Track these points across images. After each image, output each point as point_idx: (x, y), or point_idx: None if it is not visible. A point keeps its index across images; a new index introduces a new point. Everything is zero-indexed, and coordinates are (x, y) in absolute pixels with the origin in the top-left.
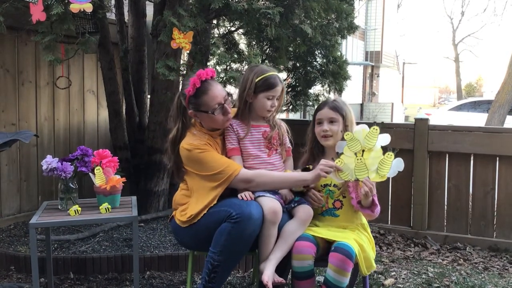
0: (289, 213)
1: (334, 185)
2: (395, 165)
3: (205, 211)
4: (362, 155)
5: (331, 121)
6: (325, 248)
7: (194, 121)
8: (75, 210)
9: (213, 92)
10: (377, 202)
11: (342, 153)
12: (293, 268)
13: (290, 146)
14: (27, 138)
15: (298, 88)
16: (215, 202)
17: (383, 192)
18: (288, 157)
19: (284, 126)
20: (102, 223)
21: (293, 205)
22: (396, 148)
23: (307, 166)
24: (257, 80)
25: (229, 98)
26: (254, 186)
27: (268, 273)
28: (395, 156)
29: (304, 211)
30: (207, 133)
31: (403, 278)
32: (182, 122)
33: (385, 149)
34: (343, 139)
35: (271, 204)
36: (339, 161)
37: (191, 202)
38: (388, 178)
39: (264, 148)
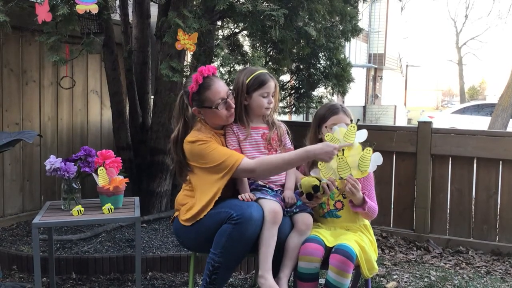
0: (290, 218)
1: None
2: (373, 159)
3: (211, 205)
4: (343, 154)
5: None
6: (328, 251)
7: (198, 119)
8: (78, 210)
9: (215, 87)
10: (370, 200)
11: None
12: (299, 269)
13: (291, 148)
14: (31, 138)
15: (302, 90)
16: (219, 194)
17: (386, 195)
18: None
19: (283, 127)
20: (105, 224)
21: (294, 210)
22: (374, 143)
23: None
24: (247, 80)
25: (232, 93)
26: (257, 175)
27: None
28: (372, 151)
29: (303, 221)
30: (211, 130)
31: (405, 282)
32: (184, 122)
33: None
34: (321, 140)
35: (271, 205)
36: (322, 162)
37: (195, 199)
38: (391, 182)
39: (264, 150)
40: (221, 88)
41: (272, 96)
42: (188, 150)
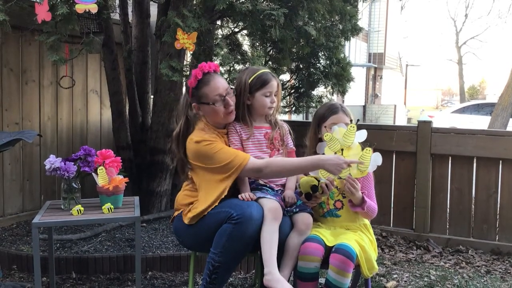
0: (290, 218)
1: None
2: (373, 159)
3: (216, 204)
4: (342, 154)
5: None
6: (328, 250)
7: (201, 118)
8: (77, 210)
9: (214, 83)
10: (369, 199)
11: (323, 154)
12: (299, 269)
13: (293, 148)
14: (31, 137)
15: (301, 90)
16: (225, 193)
17: (385, 194)
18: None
19: (286, 127)
20: (105, 223)
21: (294, 210)
22: (374, 143)
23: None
24: (250, 80)
25: (232, 91)
26: (264, 175)
27: None
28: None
29: (303, 221)
30: (214, 131)
31: (405, 281)
32: (185, 119)
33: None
34: (321, 140)
35: (271, 204)
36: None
37: (200, 197)
38: (391, 181)
39: (266, 149)
40: (220, 84)
41: (274, 95)
42: (194, 150)
